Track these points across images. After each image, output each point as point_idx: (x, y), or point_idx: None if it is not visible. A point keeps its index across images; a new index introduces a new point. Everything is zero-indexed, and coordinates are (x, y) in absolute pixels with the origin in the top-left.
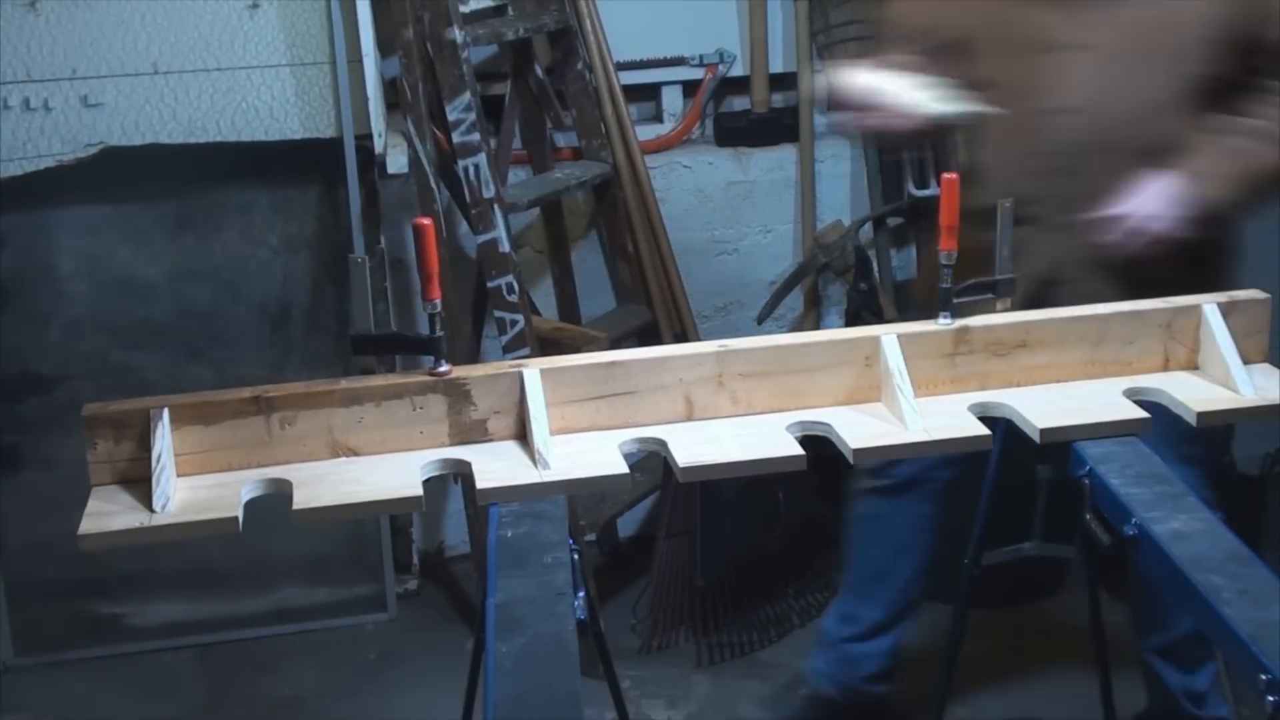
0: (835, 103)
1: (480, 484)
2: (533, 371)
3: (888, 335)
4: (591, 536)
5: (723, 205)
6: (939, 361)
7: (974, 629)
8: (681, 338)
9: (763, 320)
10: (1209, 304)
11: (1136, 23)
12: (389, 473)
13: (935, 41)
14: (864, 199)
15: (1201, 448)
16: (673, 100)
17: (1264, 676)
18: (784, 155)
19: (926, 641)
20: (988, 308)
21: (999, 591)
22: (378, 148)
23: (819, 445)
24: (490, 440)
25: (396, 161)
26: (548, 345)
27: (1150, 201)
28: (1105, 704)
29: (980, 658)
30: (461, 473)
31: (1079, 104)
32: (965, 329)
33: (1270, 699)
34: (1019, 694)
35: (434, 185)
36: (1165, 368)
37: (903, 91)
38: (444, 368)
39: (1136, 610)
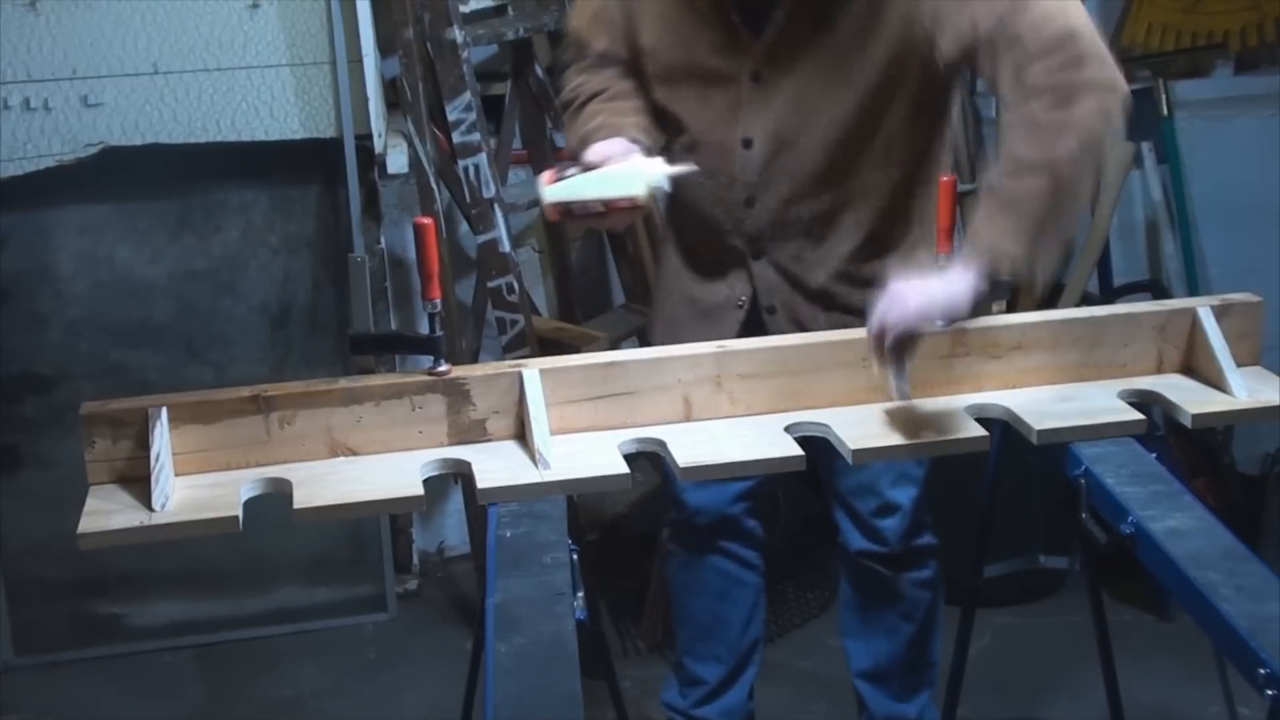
0: (550, 214)
1: (481, 484)
2: (532, 371)
3: None
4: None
5: None
6: (936, 363)
7: (974, 628)
8: None
9: None
10: (1203, 307)
11: (812, 57)
12: (389, 472)
13: (613, 56)
14: None
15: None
16: None
17: (1262, 671)
18: None
19: None
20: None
21: (1000, 591)
22: (378, 148)
23: (807, 443)
24: (489, 440)
25: (396, 161)
26: (548, 345)
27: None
28: (1112, 704)
29: (981, 657)
30: (461, 473)
31: (754, 135)
32: (962, 331)
33: (1269, 693)
34: (1020, 694)
35: (434, 185)
36: (1159, 370)
37: (598, 187)
38: (443, 367)
39: (843, 635)
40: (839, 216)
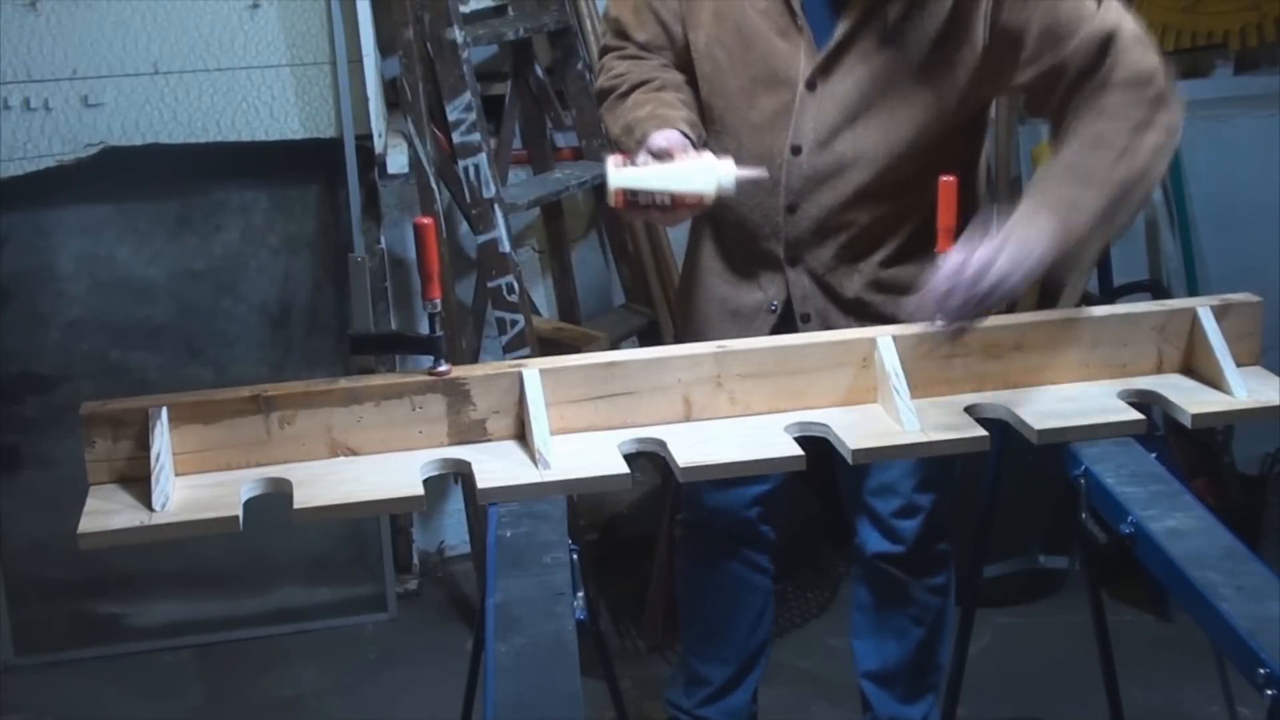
0: (615, 200)
1: (481, 484)
2: (532, 371)
3: (884, 337)
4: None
5: None
6: (936, 363)
7: (974, 628)
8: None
9: None
10: (1203, 307)
11: (873, 69)
12: (389, 472)
13: (657, 46)
14: None
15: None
16: None
17: (1262, 671)
18: None
19: None
20: None
21: (1000, 591)
22: (378, 148)
23: (817, 446)
24: (489, 440)
25: (396, 161)
26: (548, 345)
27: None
28: (1112, 704)
29: (981, 657)
30: (461, 473)
31: (803, 143)
32: (963, 332)
33: (1269, 693)
34: (1020, 694)
35: (434, 185)
36: (1159, 370)
37: (669, 180)
38: (443, 367)
39: (852, 636)
40: (880, 228)
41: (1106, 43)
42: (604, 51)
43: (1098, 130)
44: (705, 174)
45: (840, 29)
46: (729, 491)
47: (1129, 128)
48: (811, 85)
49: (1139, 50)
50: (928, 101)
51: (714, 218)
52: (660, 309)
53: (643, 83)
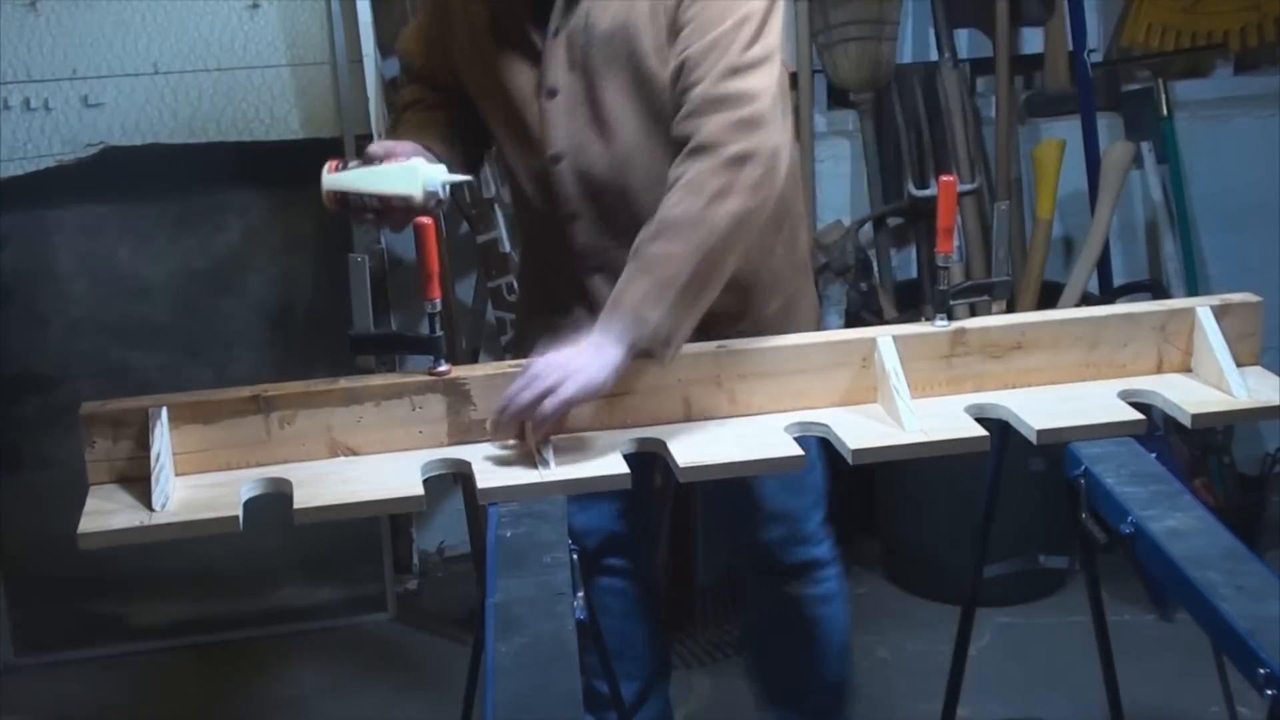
0: (328, 202)
1: (481, 484)
2: None
3: (884, 337)
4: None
5: None
6: (935, 363)
7: (974, 628)
8: None
9: None
10: (1203, 307)
11: (583, 58)
12: (389, 472)
13: (431, 73)
14: (864, 199)
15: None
16: None
17: (1262, 671)
18: None
19: (927, 643)
20: None
21: (1000, 591)
22: None
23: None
24: (489, 440)
25: None
26: None
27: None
28: (1112, 704)
29: (981, 657)
30: (461, 472)
31: (560, 150)
32: (962, 331)
33: (1269, 693)
34: (1020, 694)
35: None
36: (1159, 370)
37: (384, 181)
38: (443, 367)
39: (755, 683)
40: None
41: (714, 45)
42: (401, 79)
43: (674, 211)
44: (409, 176)
45: (551, 28)
46: (592, 510)
47: (704, 202)
48: (552, 92)
49: (742, 61)
50: (648, 80)
51: (525, 258)
52: None
53: (414, 103)
